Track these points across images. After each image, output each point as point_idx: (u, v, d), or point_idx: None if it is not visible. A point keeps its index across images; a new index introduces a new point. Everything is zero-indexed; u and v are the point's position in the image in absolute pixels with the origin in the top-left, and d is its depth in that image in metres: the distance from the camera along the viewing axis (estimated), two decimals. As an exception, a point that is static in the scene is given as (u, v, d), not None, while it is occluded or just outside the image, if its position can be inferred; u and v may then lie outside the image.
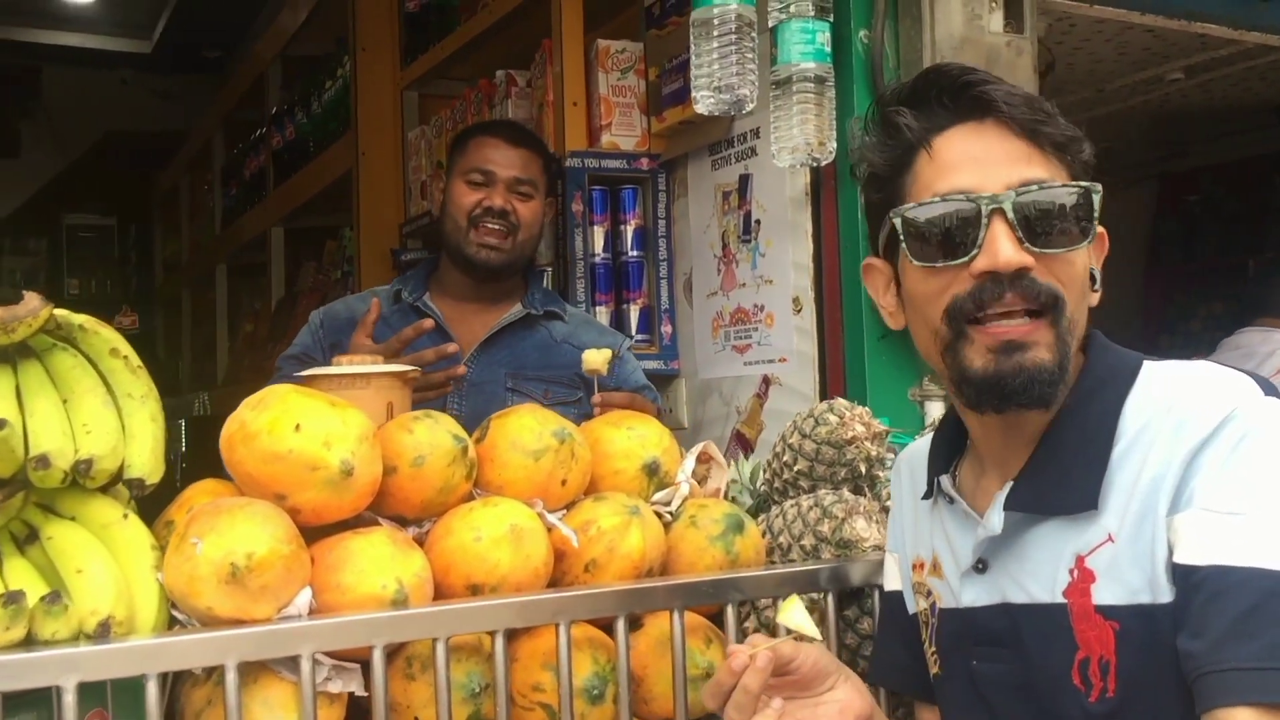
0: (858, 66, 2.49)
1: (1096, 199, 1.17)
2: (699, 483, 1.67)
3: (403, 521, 1.45)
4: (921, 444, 1.47)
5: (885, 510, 1.67)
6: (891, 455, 1.90)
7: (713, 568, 1.52)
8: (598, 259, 2.98)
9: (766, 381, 2.72)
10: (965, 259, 1.14)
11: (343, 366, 1.70)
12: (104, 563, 1.25)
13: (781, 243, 2.65)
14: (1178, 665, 1.07)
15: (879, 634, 1.49)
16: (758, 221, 2.73)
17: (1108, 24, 3.39)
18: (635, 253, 3.01)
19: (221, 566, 1.21)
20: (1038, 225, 1.14)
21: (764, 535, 1.67)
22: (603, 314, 2.98)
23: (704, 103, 2.39)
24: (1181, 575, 1.08)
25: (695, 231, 2.96)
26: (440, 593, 1.39)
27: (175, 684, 1.30)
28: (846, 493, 1.66)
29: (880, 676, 1.46)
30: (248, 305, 5.90)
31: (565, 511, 1.51)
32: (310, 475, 1.31)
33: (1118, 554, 1.12)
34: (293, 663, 1.23)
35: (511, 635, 1.42)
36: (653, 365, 2.99)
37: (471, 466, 1.46)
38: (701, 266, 2.94)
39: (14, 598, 1.13)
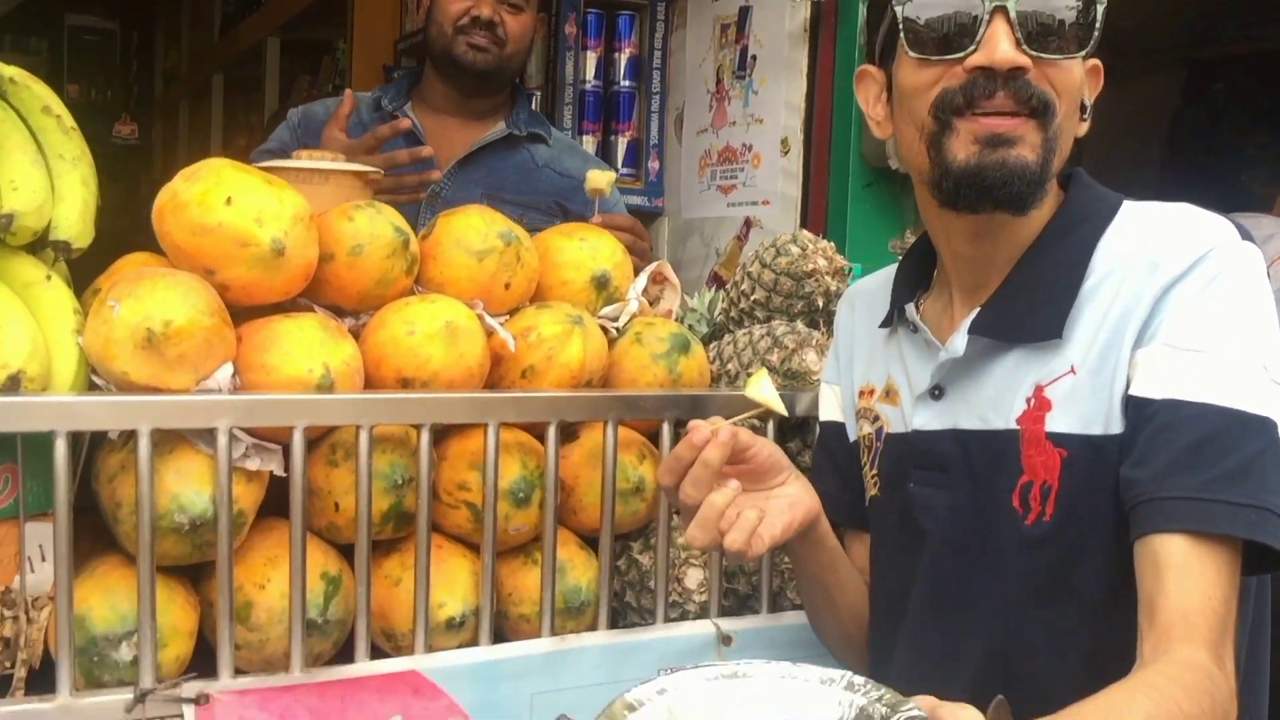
0: (869, -104, 2.37)
1: (1099, 9, 1.14)
2: (651, 303, 1.64)
3: (339, 312, 1.41)
4: (872, 279, 1.44)
5: (839, 347, 1.64)
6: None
7: (654, 385, 1.50)
8: (588, 86, 2.89)
9: (748, 224, 2.66)
10: (962, 54, 1.13)
11: (301, 160, 1.64)
12: (20, 319, 1.22)
13: (775, 81, 2.56)
14: (1116, 497, 1.08)
15: (814, 461, 1.47)
16: (754, 57, 2.64)
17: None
18: (628, 83, 2.92)
19: (137, 331, 1.18)
20: (1038, 30, 1.13)
21: (713, 362, 1.64)
22: (589, 144, 2.90)
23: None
24: (1135, 407, 1.08)
25: (690, 65, 2.86)
26: (371, 385, 1.37)
27: (93, 449, 1.28)
28: (800, 325, 1.62)
29: (834, 511, 1.42)
30: (243, 119, 5.79)
31: (508, 317, 1.48)
32: (240, 251, 1.27)
33: (1077, 385, 1.13)
34: (210, 436, 1.22)
35: (442, 434, 1.41)
36: (636, 201, 2.93)
37: (413, 261, 1.42)
38: (694, 102, 2.85)
39: (-82, 341, 1.10)
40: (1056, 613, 1.13)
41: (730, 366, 1.61)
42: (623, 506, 1.45)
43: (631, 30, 2.90)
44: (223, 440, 1.20)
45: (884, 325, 1.34)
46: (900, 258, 1.37)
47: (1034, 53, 1.12)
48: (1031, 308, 1.17)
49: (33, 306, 1.26)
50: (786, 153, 2.53)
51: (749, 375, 1.33)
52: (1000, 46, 1.11)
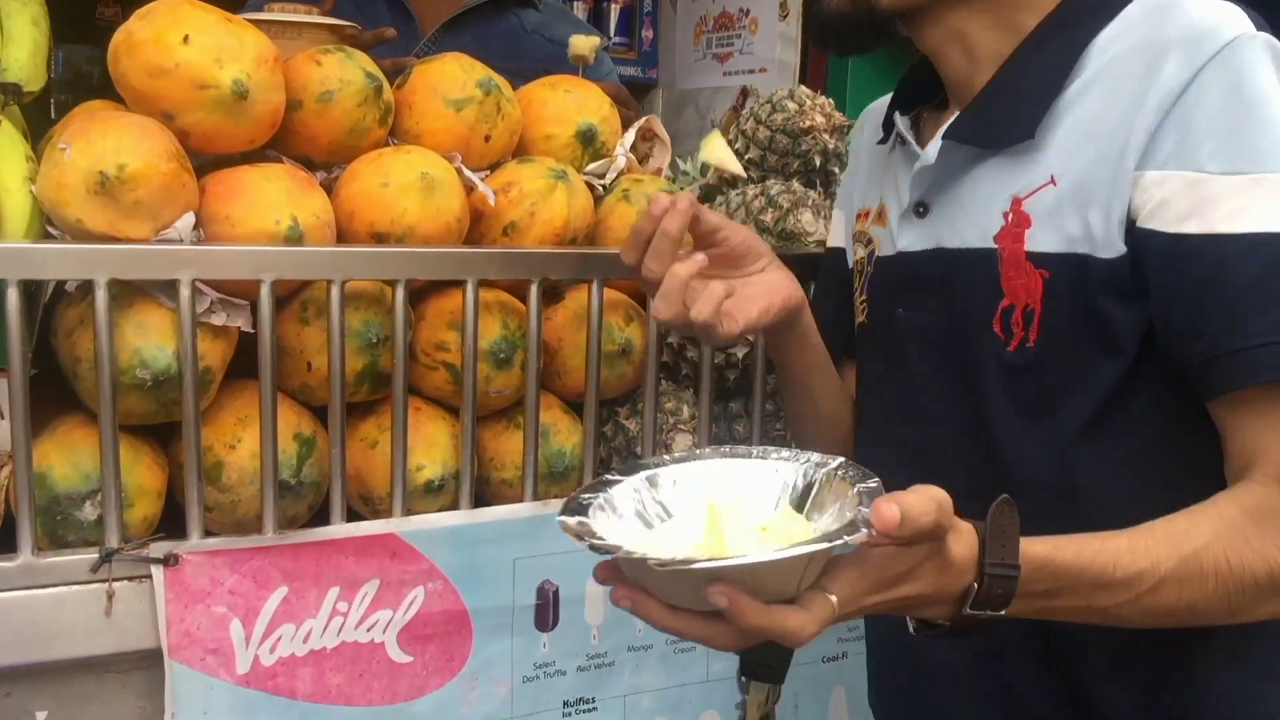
0: None
1: None
2: (640, 160, 1.56)
3: (310, 164, 1.34)
4: (886, 97, 1.32)
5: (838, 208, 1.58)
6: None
7: (641, 245, 1.43)
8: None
9: (744, 94, 2.57)
10: None
11: (273, 13, 1.55)
12: (-32, 165, 1.15)
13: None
14: (1105, 324, 0.99)
15: (813, 290, 1.38)
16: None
17: None
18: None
19: (90, 175, 1.11)
20: None
21: (705, 224, 1.57)
22: (580, 10, 2.79)
23: None
24: (1156, 243, 0.96)
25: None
26: (343, 240, 1.30)
27: (52, 305, 1.22)
28: (795, 184, 1.55)
29: (830, 334, 1.34)
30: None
31: (488, 172, 1.41)
32: (199, 94, 1.20)
33: (1060, 198, 1.01)
34: (172, 289, 1.15)
35: (419, 293, 1.35)
36: (630, 71, 2.84)
37: (386, 110, 1.34)
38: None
39: None
40: (1044, 433, 1.05)
41: (722, 228, 1.54)
42: (608, 369, 1.40)
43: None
44: (185, 293, 1.15)
45: (881, 142, 1.25)
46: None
47: None
48: (1008, 110, 1.06)
49: (-18, 152, 1.19)
50: (785, 16, 2.43)
51: (703, 140, 1.28)
52: None
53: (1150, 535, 0.92)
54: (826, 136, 1.59)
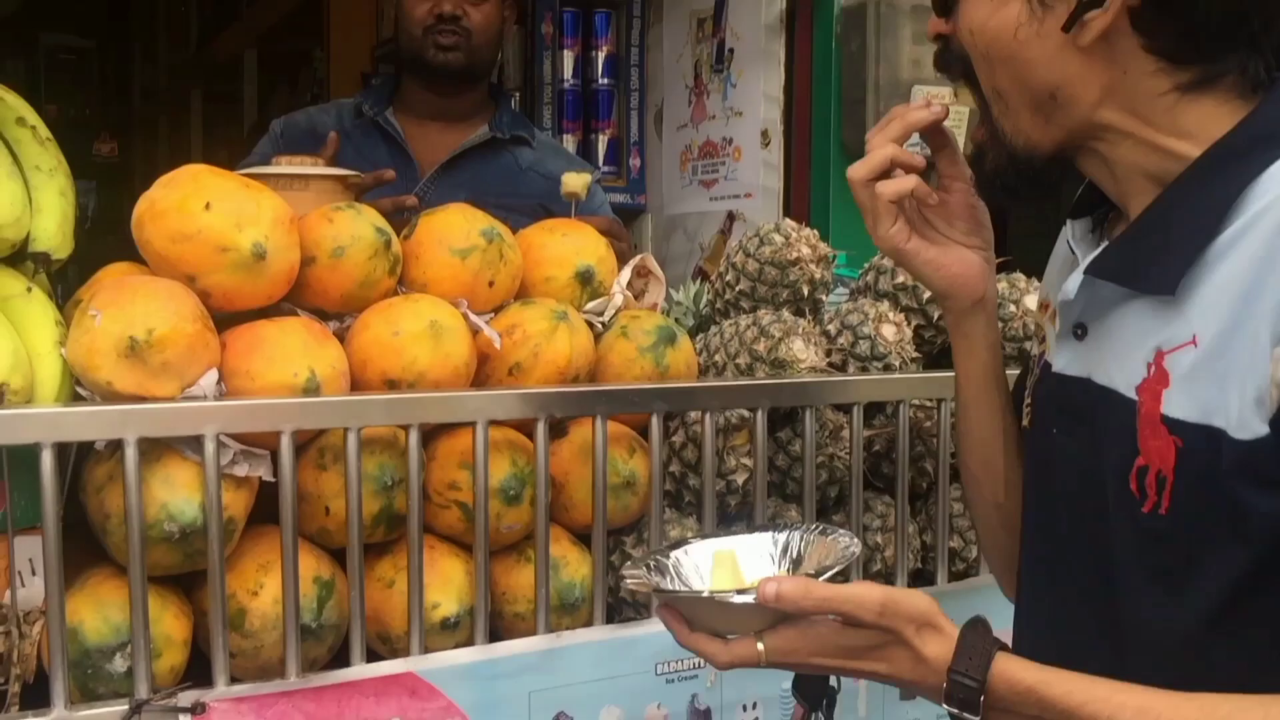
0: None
1: None
2: (636, 296, 1.63)
3: (323, 315, 1.41)
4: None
5: (825, 334, 1.64)
6: (840, 285, 1.86)
7: (641, 379, 1.49)
8: (567, 85, 2.89)
9: (731, 217, 2.67)
10: None
11: (281, 166, 1.64)
12: (2, 332, 1.21)
13: (753, 73, 2.57)
14: (1236, 507, 0.91)
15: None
16: (731, 50, 2.65)
17: None
18: (606, 80, 2.92)
19: (120, 340, 1.18)
20: None
21: (700, 354, 1.64)
22: (569, 143, 2.90)
23: (676, -86, 2.29)
24: None
25: (668, 60, 2.87)
26: (357, 388, 1.36)
27: (80, 461, 1.27)
28: (786, 313, 1.62)
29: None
30: (222, 133, 5.77)
31: (493, 315, 1.47)
32: (220, 256, 1.27)
33: (1198, 362, 0.92)
34: (197, 443, 1.21)
35: (431, 435, 1.40)
36: (620, 199, 2.93)
37: (395, 261, 1.41)
38: (672, 97, 2.85)
39: (-102, 357, 1.10)
40: (1173, 607, 0.97)
41: (718, 357, 1.61)
42: (614, 501, 1.44)
43: (608, 28, 2.91)
44: (210, 447, 1.20)
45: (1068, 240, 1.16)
46: None
47: (944, 15, 1.05)
48: (1157, 250, 0.96)
49: (14, 319, 1.25)
50: (767, 144, 2.54)
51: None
52: (933, 19, 1.06)
53: (1172, 702, 0.89)
54: (813, 266, 1.66)
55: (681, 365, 1.53)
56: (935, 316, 1.72)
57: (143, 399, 1.20)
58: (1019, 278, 1.76)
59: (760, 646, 1.02)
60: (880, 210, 1.14)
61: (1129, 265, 0.98)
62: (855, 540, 1.12)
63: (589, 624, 1.43)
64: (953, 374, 1.26)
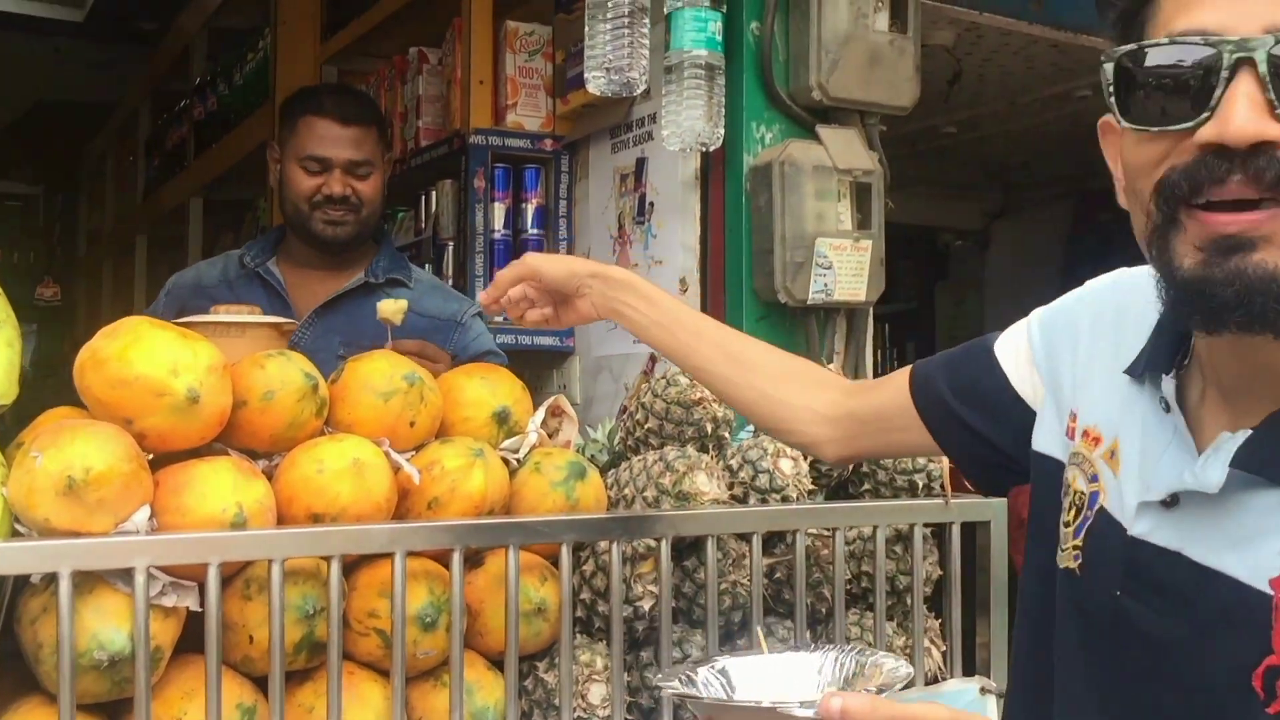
0: (748, 57, 2.59)
1: None
2: (550, 435, 1.75)
3: (253, 455, 1.51)
4: (1114, 288, 1.15)
5: (728, 469, 1.76)
6: (744, 431, 1.98)
7: (553, 511, 1.60)
8: (498, 235, 3.05)
9: (653, 359, 2.80)
10: (1190, 124, 0.86)
11: (219, 315, 1.76)
12: (-53, 474, 1.30)
13: (671, 225, 2.74)
14: None
15: (945, 361, 1.32)
16: (651, 204, 2.82)
17: (1014, 36, 3.52)
18: (535, 231, 3.08)
19: (59, 479, 1.27)
20: None
21: (611, 488, 1.75)
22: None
23: (595, 83, 2.46)
24: None
25: (594, 212, 3.04)
26: (284, 522, 1.45)
27: (15, 595, 1.35)
28: (690, 449, 1.74)
29: (921, 390, 1.31)
30: (165, 278, 5.87)
31: (414, 453, 1.58)
32: (156, 401, 1.37)
33: None
34: (128, 575, 1.29)
35: (352, 566, 1.49)
36: (549, 342, 3.07)
37: (322, 404, 1.52)
38: (599, 246, 3.02)
39: None
40: None
41: (627, 491, 1.72)
42: (526, 628, 1.53)
43: (537, 182, 3.08)
44: (140, 579, 1.28)
45: (1130, 372, 1.06)
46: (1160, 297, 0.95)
47: None
48: None
49: (-42, 461, 1.34)
50: (685, 291, 2.69)
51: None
52: (1237, 114, 0.83)
53: None
54: (716, 406, 1.79)
55: (591, 499, 1.64)
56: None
57: (78, 534, 1.29)
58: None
59: None
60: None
61: None
62: (902, 661, 1.08)
63: (501, 747, 1.50)
64: (847, 505, 1.39)
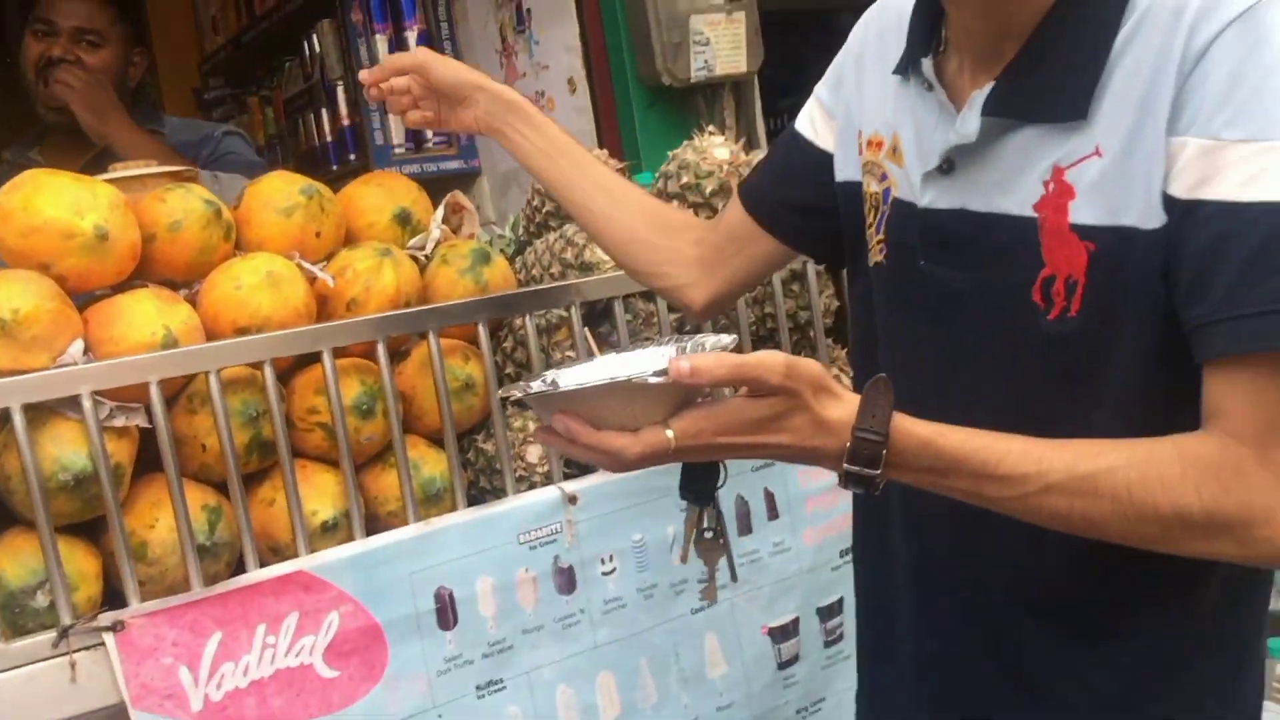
0: None
1: None
2: (454, 230, 1.84)
3: (172, 285, 1.59)
4: (896, 3, 1.25)
5: (626, 237, 1.87)
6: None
7: (464, 296, 1.71)
8: (385, 67, 3.06)
9: (555, 163, 2.88)
10: None
11: (118, 171, 1.81)
12: (-115, 337, 1.38)
13: (551, 28, 2.79)
14: (1149, 296, 0.99)
15: (763, 163, 1.46)
16: (529, 10, 2.86)
17: None
18: (421, 57, 3.10)
19: (-9, 323, 1.36)
20: None
21: (520, 273, 1.86)
22: (398, 121, 3.09)
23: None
24: (1179, 210, 0.96)
25: (475, 29, 3.07)
26: (212, 339, 1.55)
27: (-26, 440, 1.45)
28: (586, 223, 1.84)
29: (755, 203, 1.42)
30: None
31: (325, 263, 1.67)
32: (67, 243, 1.45)
33: (1105, 170, 1.00)
34: (75, 404, 1.39)
35: (287, 372, 1.60)
36: (453, 165, 3.14)
37: (229, 228, 1.60)
38: (486, 63, 3.05)
39: None
40: (1079, 399, 1.06)
41: (535, 271, 1.83)
42: (458, 404, 1.66)
43: (415, 7, 3.09)
44: (87, 404, 1.38)
45: (897, 71, 1.21)
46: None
47: None
48: (1054, 80, 1.03)
49: (-107, 327, 1.42)
50: (574, 91, 2.76)
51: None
52: None
53: (1054, 447, 0.99)
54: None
55: (499, 280, 1.74)
56: (720, 207, 1.96)
57: (20, 372, 1.38)
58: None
59: (669, 433, 1.00)
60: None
61: (1029, 100, 1.04)
62: (724, 335, 1.13)
63: (454, 510, 1.64)
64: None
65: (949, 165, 1.12)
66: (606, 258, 1.80)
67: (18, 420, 1.34)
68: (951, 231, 1.13)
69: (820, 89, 1.37)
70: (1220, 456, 0.95)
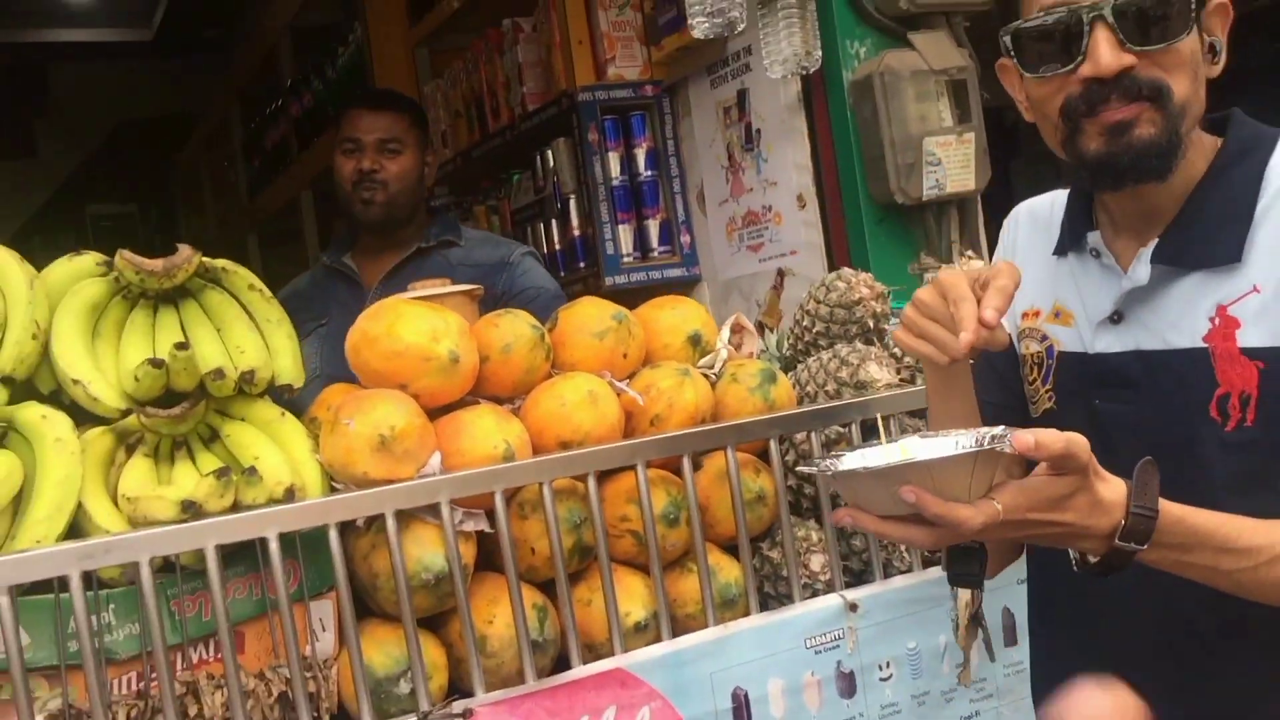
0: (836, -21, 2.77)
1: None
2: (735, 348, 1.99)
3: (499, 401, 1.77)
4: (1040, 201, 1.50)
5: (894, 357, 1.99)
6: (895, 316, 2.21)
7: (754, 413, 1.84)
8: (616, 182, 3.27)
9: (780, 274, 3.02)
10: (1072, 66, 1.24)
11: (418, 291, 2.01)
12: (275, 448, 1.58)
13: (781, 147, 2.94)
14: None
15: (975, 373, 1.49)
16: (758, 131, 3.02)
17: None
18: (649, 173, 3.30)
19: (372, 438, 1.54)
20: (1138, 24, 1.21)
21: (794, 388, 1.99)
22: (626, 232, 3.28)
23: (699, 28, 2.69)
24: None
25: (701, 147, 3.25)
26: (537, 452, 1.71)
27: (343, 537, 1.63)
28: (859, 343, 1.97)
29: (992, 418, 1.42)
30: (280, 269, 6.21)
31: (629, 380, 1.83)
32: (425, 365, 1.63)
33: (1265, 302, 1.22)
34: (434, 510, 1.56)
35: (599, 482, 1.75)
36: (676, 273, 3.31)
37: (549, 350, 1.78)
38: (711, 178, 3.23)
39: (224, 472, 1.46)
40: (1257, 500, 1.20)
41: (809, 388, 1.96)
42: (750, 514, 1.79)
43: (645, 127, 3.29)
44: (445, 510, 1.55)
45: (1057, 252, 1.42)
46: (1068, 191, 1.43)
47: (1137, 49, 1.21)
48: (1208, 233, 1.25)
49: (275, 437, 1.62)
50: (804, 206, 2.90)
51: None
52: (1103, 55, 1.21)
53: (1274, 523, 1.16)
54: (873, 303, 2.02)
55: (784, 398, 1.88)
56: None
57: (391, 481, 1.56)
58: None
59: (998, 505, 1.07)
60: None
61: (1189, 251, 1.27)
62: (1000, 426, 1.12)
63: (747, 614, 1.76)
64: None
65: (1119, 316, 1.32)
66: (879, 376, 1.92)
67: (391, 526, 1.52)
68: (1126, 371, 1.31)
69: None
70: None
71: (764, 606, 1.80)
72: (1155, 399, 1.29)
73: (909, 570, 1.87)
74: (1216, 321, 1.24)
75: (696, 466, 1.83)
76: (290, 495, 1.52)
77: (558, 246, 3.49)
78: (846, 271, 2.06)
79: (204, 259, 1.68)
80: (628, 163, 3.30)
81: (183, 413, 1.56)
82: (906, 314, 1.33)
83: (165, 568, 1.48)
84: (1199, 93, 1.26)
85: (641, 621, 1.68)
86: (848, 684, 1.78)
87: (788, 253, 2.98)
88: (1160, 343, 1.28)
